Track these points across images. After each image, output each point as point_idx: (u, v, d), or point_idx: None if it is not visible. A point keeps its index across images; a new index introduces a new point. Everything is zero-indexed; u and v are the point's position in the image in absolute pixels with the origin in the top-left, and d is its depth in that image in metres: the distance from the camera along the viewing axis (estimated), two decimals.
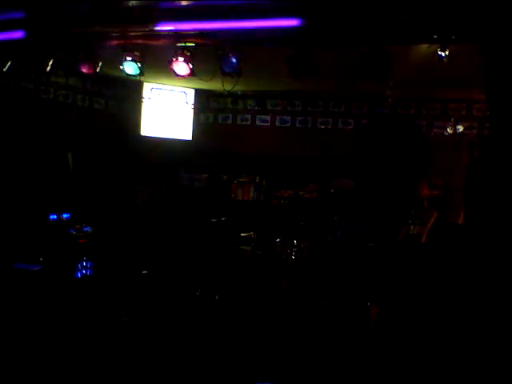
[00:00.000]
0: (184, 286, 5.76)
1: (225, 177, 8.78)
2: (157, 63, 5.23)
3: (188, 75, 4.72)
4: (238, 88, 7.04)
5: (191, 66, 4.65)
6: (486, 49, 3.76)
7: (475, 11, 3.39)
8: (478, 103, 6.88)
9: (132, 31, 4.48)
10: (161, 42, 4.60)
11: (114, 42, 4.70)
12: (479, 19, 3.46)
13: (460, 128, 7.19)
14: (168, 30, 4.39)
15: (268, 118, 8.45)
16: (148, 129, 7.91)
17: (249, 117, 8.57)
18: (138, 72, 4.88)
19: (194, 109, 8.25)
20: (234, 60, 4.36)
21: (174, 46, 4.57)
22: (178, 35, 4.41)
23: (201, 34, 4.36)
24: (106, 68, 5.16)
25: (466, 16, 3.48)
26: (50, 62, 5.05)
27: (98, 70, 5.00)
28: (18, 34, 4.65)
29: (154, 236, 6.95)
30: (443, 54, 3.73)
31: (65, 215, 6.09)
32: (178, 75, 4.71)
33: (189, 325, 5.04)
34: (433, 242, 5.64)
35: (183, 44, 4.53)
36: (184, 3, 4.10)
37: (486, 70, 3.81)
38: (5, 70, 5.31)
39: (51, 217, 5.91)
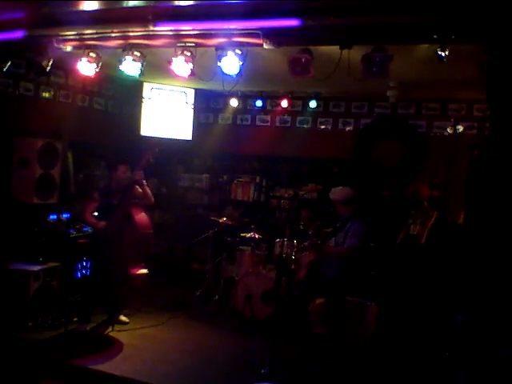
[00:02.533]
0: None
1: (225, 177, 8.78)
2: (157, 63, 5.23)
3: (188, 75, 4.72)
4: (238, 88, 7.04)
5: (191, 66, 4.64)
6: (487, 48, 3.77)
7: (476, 11, 3.39)
8: (478, 103, 6.88)
9: (132, 31, 4.47)
10: (161, 42, 4.60)
11: (114, 42, 4.70)
12: (480, 19, 3.46)
13: (460, 128, 7.19)
14: (168, 30, 4.38)
15: (268, 118, 8.45)
16: (148, 129, 7.90)
17: (249, 117, 8.57)
18: (139, 72, 4.87)
19: (194, 109, 8.25)
20: (234, 60, 4.35)
21: (174, 45, 4.56)
22: (178, 35, 4.41)
23: (201, 34, 4.36)
24: (105, 68, 5.16)
25: (466, 15, 3.48)
26: (50, 62, 5.04)
27: (97, 70, 5.00)
28: (18, 34, 4.65)
29: None
30: (443, 54, 3.73)
31: (65, 215, 6.09)
32: (178, 75, 4.70)
33: None
34: (433, 242, 5.64)
35: (183, 44, 4.53)
36: (184, 3, 4.10)
37: (486, 70, 3.82)
38: (5, 69, 5.31)
39: (51, 217, 5.90)
